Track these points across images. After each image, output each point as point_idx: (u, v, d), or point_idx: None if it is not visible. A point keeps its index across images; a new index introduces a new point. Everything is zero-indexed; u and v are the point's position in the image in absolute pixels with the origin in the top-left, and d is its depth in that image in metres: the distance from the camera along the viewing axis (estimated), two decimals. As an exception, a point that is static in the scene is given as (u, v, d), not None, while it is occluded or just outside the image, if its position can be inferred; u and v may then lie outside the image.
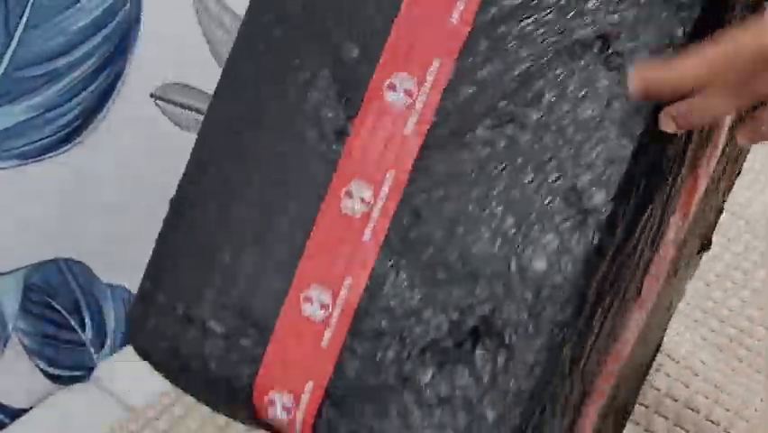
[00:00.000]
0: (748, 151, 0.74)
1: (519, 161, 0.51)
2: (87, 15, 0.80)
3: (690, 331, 0.95)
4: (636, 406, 0.84)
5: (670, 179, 0.53)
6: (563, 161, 0.50)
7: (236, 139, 0.58)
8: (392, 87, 0.54)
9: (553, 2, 0.51)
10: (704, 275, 1.01)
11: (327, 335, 0.53)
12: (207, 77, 0.96)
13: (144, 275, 0.59)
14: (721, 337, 0.95)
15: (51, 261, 0.85)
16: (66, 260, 0.86)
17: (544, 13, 0.51)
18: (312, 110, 0.56)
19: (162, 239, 0.60)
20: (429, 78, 0.53)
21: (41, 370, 0.88)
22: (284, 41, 0.57)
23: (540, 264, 0.49)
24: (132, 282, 0.77)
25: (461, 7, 0.52)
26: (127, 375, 0.88)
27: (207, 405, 0.61)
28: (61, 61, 0.80)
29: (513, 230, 0.50)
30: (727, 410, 0.86)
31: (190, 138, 0.95)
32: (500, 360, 0.50)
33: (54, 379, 0.90)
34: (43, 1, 0.76)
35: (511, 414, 0.49)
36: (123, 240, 0.87)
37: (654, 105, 0.49)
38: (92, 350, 0.92)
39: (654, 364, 0.84)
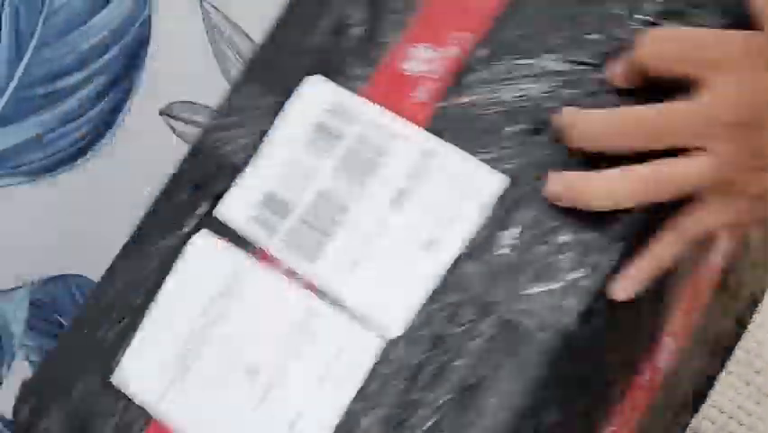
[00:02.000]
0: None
1: None
2: (98, 34, 0.81)
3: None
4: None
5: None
6: None
7: None
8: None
9: None
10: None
11: None
12: (217, 95, 0.96)
13: None
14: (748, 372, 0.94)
15: (58, 276, 0.86)
16: (73, 276, 0.86)
17: None
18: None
19: None
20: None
21: (47, 386, 0.88)
22: None
23: None
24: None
25: None
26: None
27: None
28: (71, 79, 0.80)
29: None
30: (734, 437, 0.86)
31: (199, 156, 0.95)
32: None
33: (59, 394, 0.90)
34: (54, 20, 0.77)
35: None
36: (130, 256, 0.87)
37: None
38: (97, 366, 0.92)
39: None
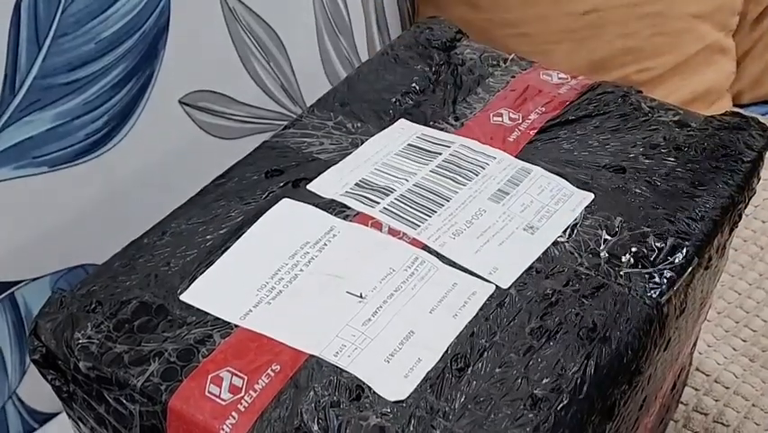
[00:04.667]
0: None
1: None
2: (116, 23, 0.81)
3: (720, 343, 0.94)
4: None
5: None
6: None
7: None
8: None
9: None
10: (736, 284, 1.00)
11: None
12: (235, 84, 0.96)
13: None
14: (754, 349, 0.93)
15: (79, 266, 0.86)
16: (93, 266, 0.86)
17: None
18: None
19: None
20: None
21: (69, 375, 0.89)
22: None
23: None
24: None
25: None
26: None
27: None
28: (90, 69, 0.80)
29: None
30: (758, 425, 0.85)
31: (219, 145, 0.96)
32: None
33: (82, 383, 0.90)
34: (72, 9, 0.77)
35: None
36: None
37: None
38: (119, 355, 0.92)
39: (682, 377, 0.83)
